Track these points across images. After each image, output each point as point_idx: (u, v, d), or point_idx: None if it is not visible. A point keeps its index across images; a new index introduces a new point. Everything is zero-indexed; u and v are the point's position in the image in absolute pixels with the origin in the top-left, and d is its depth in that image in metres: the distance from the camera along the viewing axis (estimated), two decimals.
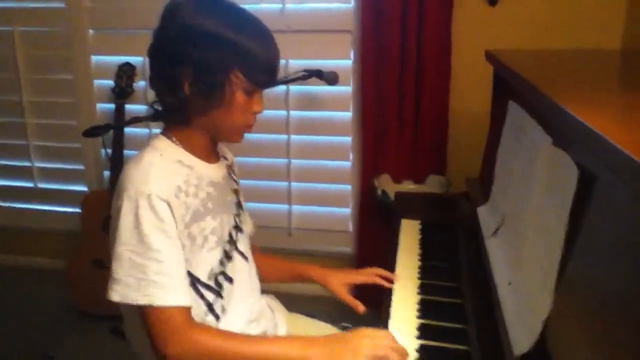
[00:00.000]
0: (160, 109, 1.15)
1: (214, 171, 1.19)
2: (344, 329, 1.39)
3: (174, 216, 1.04)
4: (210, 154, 1.20)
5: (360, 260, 2.58)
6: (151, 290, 1.01)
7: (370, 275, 1.39)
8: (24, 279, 2.93)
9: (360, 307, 1.32)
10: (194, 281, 1.12)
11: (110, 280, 1.03)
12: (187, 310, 1.05)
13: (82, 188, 2.86)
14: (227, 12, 1.09)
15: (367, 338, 1.07)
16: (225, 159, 1.29)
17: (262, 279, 1.39)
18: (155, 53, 1.10)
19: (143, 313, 1.03)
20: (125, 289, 1.02)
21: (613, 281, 0.70)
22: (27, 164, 2.91)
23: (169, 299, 1.02)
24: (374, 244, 2.51)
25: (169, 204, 1.04)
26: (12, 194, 3.00)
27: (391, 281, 1.37)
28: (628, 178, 0.61)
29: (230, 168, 1.30)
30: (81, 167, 2.86)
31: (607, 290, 0.72)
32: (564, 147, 0.91)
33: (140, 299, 1.02)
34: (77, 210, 2.67)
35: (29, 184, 2.95)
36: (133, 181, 1.04)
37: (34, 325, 2.54)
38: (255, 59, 1.07)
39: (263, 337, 1.25)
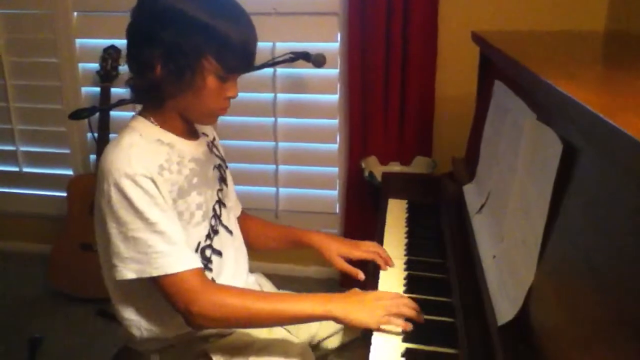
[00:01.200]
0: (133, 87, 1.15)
1: (194, 148, 1.20)
2: None
3: (160, 192, 1.06)
4: (189, 132, 1.21)
5: None
6: (161, 261, 1.04)
7: (369, 252, 1.36)
8: (9, 264, 2.92)
9: (361, 275, 1.32)
10: None
11: (117, 260, 1.05)
12: (199, 271, 1.08)
13: (68, 172, 2.85)
14: None
15: (381, 300, 1.11)
16: (206, 134, 1.30)
17: (258, 245, 1.43)
18: (130, 33, 1.10)
19: (160, 284, 1.06)
20: (137, 266, 1.05)
21: (595, 253, 0.72)
22: (12, 148, 2.89)
23: (180, 264, 1.05)
24: (361, 226, 2.54)
25: (153, 181, 1.05)
26: None
27: (388, 264, 1.35)
28: (609, 147, 0.63)
29: (212, 144, 1.31)
30: (67, 151, 2.84)
31: (589, 263, 0.74)
32: (547, 123, 0.93)
33: (153, 272, 1.05)
34: (63, 194, 2.65)
35: (14, 169, 2.93)
36: (116, 163, 1.04)
37: (20, 309, 2.55)
38: (229, 45, 1.06)
39: (283, 294, 1.33)
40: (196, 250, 1.16)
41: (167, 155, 1.12)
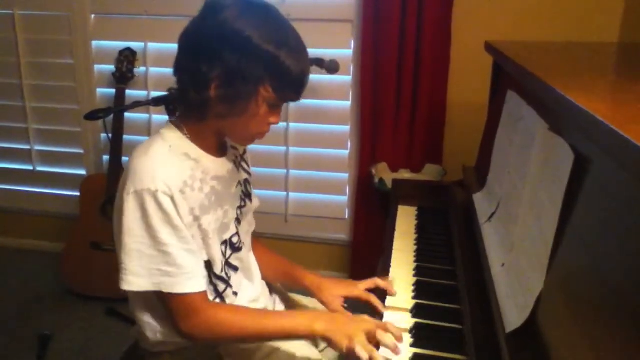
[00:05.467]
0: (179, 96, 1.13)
1: (219, 165, 1.19)
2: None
3: (177, 210, 1.06)
4: (218, 148, 1.20)
5: (355, 247, 2.61)
6: (160, 278, 1.06)
7: (364, 293, 1.29)
8: (22, 261, 2.95)
9: None
10: (210, 273, 1.16)
11: (121, 270, 1.07)
12: (200, 293, 1.10)
13: (81, 172, 2.88)
14: (271, 23, 1.06)
15: (364, 322, 1.10)
16: (235, 148, 1.29)
17: (262, 276, 1.40)
18: (189, 44, 1.09)
19: (160, 297, 1.09)
20: (136, 278, 1.06)
21: (605, 263, 0.73)
22: (26, 147, 2.92)
23: (178, 287, 1.07)
24: (370, 231, 2.55)
25: (172, 199, 1.05)
26: (11, 176, 3.01)
27: (390, 294, 1.29)
28: (620, 158, 0.64)
29: (241, 158, 1.31)
30: (80, 151, 2.87)
31: (599, 272, 0.75)
32: (559, 133, 0.94)
33: (150, 287, 1.06)
34: (76, 193, 2.69)
35: (28, 167, 2.96)
36: (139, 174, 1.05)
37: (31, 307, 2.57)
38: (288, 77, 1.06)
39: (273, 312, 1.33)
40: (221, 270, 1.18)
41: (191, 171, 1.11)
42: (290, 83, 1.08)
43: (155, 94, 2.50)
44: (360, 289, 1.31)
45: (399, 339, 1.07)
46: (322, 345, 1.36)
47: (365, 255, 2.57)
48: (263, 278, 1.40)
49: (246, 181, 1.32)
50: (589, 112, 0.71)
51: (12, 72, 2.82)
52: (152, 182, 1.03)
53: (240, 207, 1.27)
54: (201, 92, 1.06)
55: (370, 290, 1.30)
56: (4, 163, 3.00)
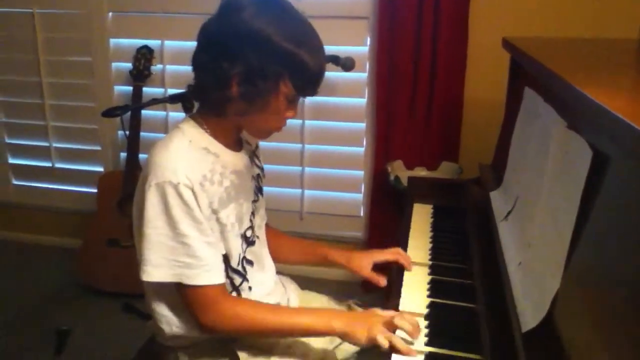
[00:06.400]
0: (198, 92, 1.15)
1: (237, 159, 1.21)
2: (355, 305, 1.44)
3: (198, 203, 1.07)
4: (235, 143, 1.23)
5: (370, 245, 2.61)
6: (180, 270, 1.08)
7: (392, 253, 1.39)
8: (40, 257, 2.99)
9: (382, 281, 1.35)
10: (226, 267, 1.17)
11: (141, 262, 1.08)
12: (219, 286, 1.11)
13: (99, 168, 2.91)
14: (290, 21, 1.08)
15: (381, 317, 1.12)
16: (249, 143, 1.31)
17: (284, 259, 1.44)
18: (208, 42, 1.10)
19: (180, 289, 1.10)
20: (156, 269, 1.08)
21: (621, 263, 0.72)
22: (45, 144, 2.96)
23: (199, 279, 1.08)
24: (385, 229, 2.54)
25: (193, 191, 1.06)
26: (31, 173, 3.05)
27: (405, 268, 1.37)
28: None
29: (253, 153, 1.33)
30: (98, 147, 2.90)
31: (616, 272, 0.74)
32: (577, 130, 0.93)
33: (170, 277, 1.08)
34: (94, 190, 2.71)
35: (47, 164, 3.00)
36: (161, 167, 1.06)
37: (49, 301, 2.61)
38: (308, 72, 1.08)
39: (292, 308, 1.35)
40: (238, 263, 1.20)
41: (211, 165, 1.13)
42: (309, 79, 1.10)
43: (172, 91, 2.50)
44: (385, 253, 1.40)
45: (416, 325, 1.09)
46: (337, 341, 1.37)
47: None
48: (289, 262, 1.44)
49: (258, 176, 1.33)
50: (608, 109, 0.70)
51: (31, 70, 2.85)
52: (174, 175, 1.05)
53: (254, 201, 1.29)
54: (222, 89, 1.07)
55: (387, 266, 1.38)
56: (23, 160, 3.05)
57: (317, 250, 1.45)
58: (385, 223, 2.54)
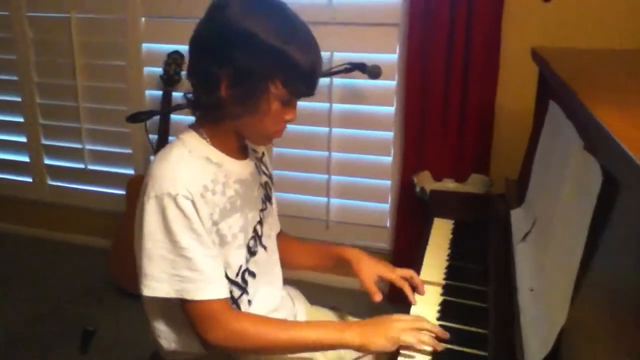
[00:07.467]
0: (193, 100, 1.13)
1: (241, 168, 1.18)
2: None
3: (198, 215, 1.05)
4: (239, 150, 1.19)
5: (396, 257, 2.55)
6: (182, 285, 1.05)
7: (399, 279, 1.30)
8: (70, 255, 3.06)
9: (377, 296, 1.25)
10: None
11: (141, 276, 1.06)
12: (222, 301, 1.08)
13: (130, 171, 2.95)
14: (277, 18, 1.04)
15: (398, 321, 1.09)
16: (255, 151, 1.29)
17: (299, 265, 1.41)
18: (197, 46, 1.08)
19: (182, 304, 1.07)
20: (157, 284, 1.05)
21: (631, 292, 0.66)
22: (78, 146, 3.02)
23: (201, 293, 1.05)
24: (411, 241, 2.47)
25: (193, 203, 1.04)
26: (65, 174, 3.12)
27: (419, 292, 1.30)
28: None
29: (260, 161, 1.30)
30: (129, 151, 2.94)
31: (627, 304, 0.68)
32: (594, 152, 0.87)
33: (172, 293, 1.05)
34: (124, 192, 2.75)
35: (80, 165, 3.06)
36: (160, 178, 1.04)
37: (77, 300, 2.65)
38: (298, 71, 1.04)
39: (300, 322, 1.30)
40: (237, 275, 1.16)
41: (213, 175, 1.10)
42: (300, 77, 1.05)
43: None
44: (397, 274, 1.31)
45: (441, 332, 1.07)
46: (346, 358, 1.33)
47: (406, 265, 2.50)
48: (305, 267, 1.41)
49: (266, 184, 1.30)
50: (614, 137, 0.64)
51: (67, 73, 2.91)
52: (172, 187, 1.03)
53: (262, 210, 1.25)
54: (212, 93, 1.05)
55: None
56: (58, 161, 3.12)
57: (332, 251, 1.39)
58: (412, 235, 2.47)
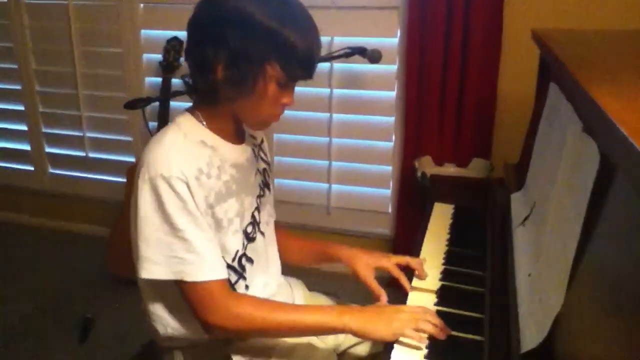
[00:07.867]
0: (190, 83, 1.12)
1: (238, 152, 1.17)
2: None
3: (193, 197, 1.04)
4: (236, 135, 1.18)
5: (397, 242, 2.54)
6: (180, 267, 1.04)
7: (395, 268, 1.29)
8: (70, 244, 3.06)
9: (383, 298, 1.24)
10: None
11: (139, 259, 1.06)
12: (220, 282, 1.07)
13: (130, 159, 2.94)
14: (274, 0, 1.03)
15: (402, 312, 1.08)
16: (253, 137, 1.27)
17: (295, 262, 1.40)
18: (193, 27, 1.07)
19: (181, 287, 1.06)
20: (155, 267, 1.05)
21: (629, 281, 0.65)
22: (79, 133, 3.01)
23: (199, 274, 1.04)
24: (413, 227, 2.43)
25: (187, 185, 1.03)
26: (65, 162, 3.12)
27: (419, 276, 1.30)
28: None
29: (259, 147, 1.28)
30: (129, 138, 2.93)
31: (622, 290, 0.66)
32: (593, 134, 0.84)
33: (170, 275, 1.05)
34: (124, 180, 2.74)
35: (81, 153, 3.05)
36: (154, 161, 1.03)
37: (76, 288, 2.65)
38: (295, 53, 1.02)
39: (299, 305, 1.29)
40: (234, 259, 1.15)
41: (208, 158, 1.09)
42: (297, 59, 1.03)
43: None
44: (391, 262, 1.31)
45: (442, 327, 1.06)
46: (344, 345, 1.32)
47: (407, 251, 2.48)
48: (296, 263, 1.38)
49: (265, 170, 1.29)
50: (612, 119, 0.62)
51: (66, 61, 2.89)
52: (166, 169, 1.02)
53: (259, 197, 1.24)
54: (208, 75, 1.04)
55: (400, 269, 1.30)
56: (59, 149, 3.11)
57: (327, 250, 1.38)
58: (414, 221, 2.44)
